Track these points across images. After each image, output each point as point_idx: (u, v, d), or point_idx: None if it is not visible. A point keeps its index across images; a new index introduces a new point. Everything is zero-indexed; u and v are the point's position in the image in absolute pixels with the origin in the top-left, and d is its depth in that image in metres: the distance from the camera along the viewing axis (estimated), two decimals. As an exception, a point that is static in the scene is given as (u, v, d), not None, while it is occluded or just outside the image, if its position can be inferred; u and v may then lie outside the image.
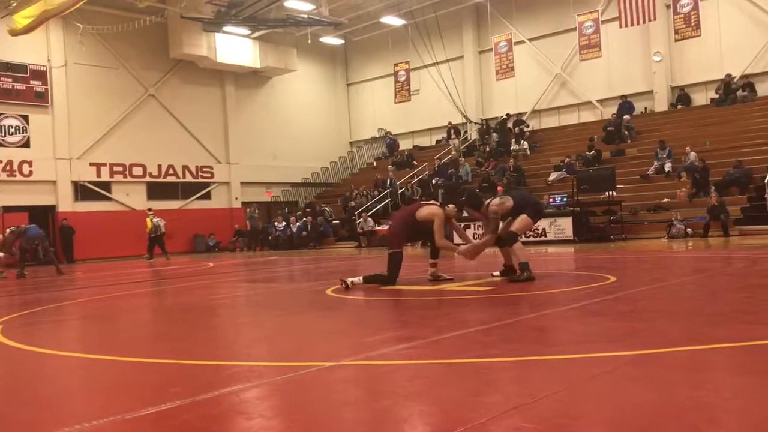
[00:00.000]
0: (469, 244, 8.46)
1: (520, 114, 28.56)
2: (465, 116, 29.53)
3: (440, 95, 28.58)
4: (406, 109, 31.46)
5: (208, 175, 30.07)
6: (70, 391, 3.83)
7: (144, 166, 27.89)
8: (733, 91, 23.15)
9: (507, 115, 28.04)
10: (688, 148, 20.24)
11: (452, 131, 30.04)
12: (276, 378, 3.63)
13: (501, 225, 8.28)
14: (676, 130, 22.85)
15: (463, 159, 26.67)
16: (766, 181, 17.46)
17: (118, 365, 4.39)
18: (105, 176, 26.88)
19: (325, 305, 7.04)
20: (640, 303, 5.86)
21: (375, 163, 32.85)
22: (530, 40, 28.41)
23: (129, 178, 27.56)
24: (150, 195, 28.08)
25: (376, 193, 27.01)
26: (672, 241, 16.40)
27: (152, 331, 6.45)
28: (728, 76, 23.25)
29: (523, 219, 8.12)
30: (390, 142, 32.62)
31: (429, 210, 8.27)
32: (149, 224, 23.09)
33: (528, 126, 27.91)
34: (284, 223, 27.16)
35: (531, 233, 18.10)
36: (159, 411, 3.04)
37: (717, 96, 23.55)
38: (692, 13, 22.41)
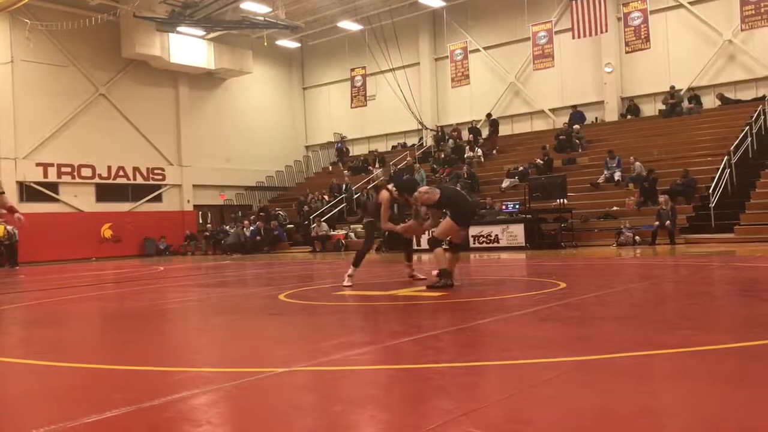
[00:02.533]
0: (406, 224, 8.92)
1: (474, 121, 28.86)
2: (420, 122, 29.69)
3: (396, 101, 28.68)
4: (362, 115, 31.50)
5: (160, 177, 29.55)
6: (9, 398, 3.69)
7: (93, 167, 27.24)
8: (678, 104, 23.82)
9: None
10: (632, 158, 20.71)
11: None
12: (225, 384, 3.57)
13: (431, 222, 8.36)
14: (626, 140, 23.38)
15: (418, 165, 26.79)
16: (710, 191, 18.00)
17: (61, 371, 4.25)
18: (52, 177, 26.17)
19: (277, 310, 6.96)
20: (588, 309, 5.96)
21: (331, 168, 32.79)
22: (485, 48, 28.78)
23: (77, 179, 26.88)
24: (99, 197, 27.48)
25: (331, 197, 26.94)
26: (620, 248, 16.75)
27: (98, 336, 6.28)
28: (672, 88, 23.92)
29: (445, 223, 7.85)
30: (339, 146, 32.57)
31: (381, 195, 8.78)
32: (1, 231, 22.53)
33: (481, 134, 28.20)
34: (237, 226, 26.91)
35: (483, 239, 18.31)
36: (102, 419, 2.95)
37: (664, 107, 24.21)
38: (642, 26, 23.01)
